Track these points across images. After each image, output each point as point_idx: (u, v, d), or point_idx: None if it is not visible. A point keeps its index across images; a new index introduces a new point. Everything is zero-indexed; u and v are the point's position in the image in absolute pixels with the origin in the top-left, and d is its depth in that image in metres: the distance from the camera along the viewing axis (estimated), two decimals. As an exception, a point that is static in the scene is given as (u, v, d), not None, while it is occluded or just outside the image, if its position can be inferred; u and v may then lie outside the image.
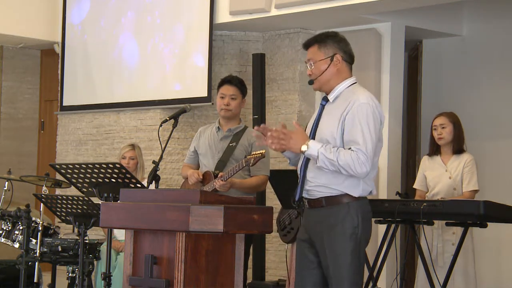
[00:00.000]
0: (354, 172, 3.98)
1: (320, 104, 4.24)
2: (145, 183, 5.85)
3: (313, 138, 4.13)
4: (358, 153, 3.97)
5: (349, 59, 4.22)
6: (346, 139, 4.03)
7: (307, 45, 4.25)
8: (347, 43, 4.24)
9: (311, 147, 4.02)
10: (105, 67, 8.82)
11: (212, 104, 7.60)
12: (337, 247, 4.03)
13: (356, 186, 4.07)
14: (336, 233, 4.04)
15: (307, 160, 4.16)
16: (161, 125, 5.00)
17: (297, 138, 4.06)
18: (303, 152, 4.05)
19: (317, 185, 4.10)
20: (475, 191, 5.87)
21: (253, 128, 6.57)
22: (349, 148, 4.00)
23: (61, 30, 9.21)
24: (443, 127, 5.97)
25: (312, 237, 4.15)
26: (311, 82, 4.22)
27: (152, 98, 8.35)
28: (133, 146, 6.88)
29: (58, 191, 7.38)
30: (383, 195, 7.44)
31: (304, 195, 4.17)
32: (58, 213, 5.77)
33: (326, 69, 4.15)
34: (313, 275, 4.16)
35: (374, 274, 5.77)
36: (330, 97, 4.18)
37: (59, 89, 9.28)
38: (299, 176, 4.22)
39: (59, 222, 6.61)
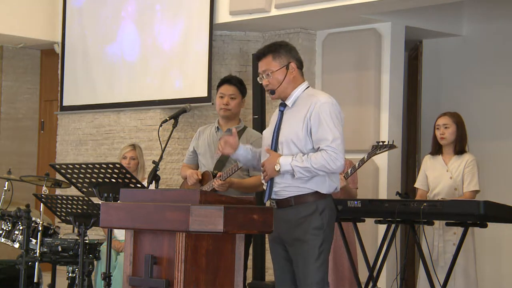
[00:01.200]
0: (331, 169, 4.17)
1: (279, 110, 4.40)
2: (145, 183, 5.84)
3: (276, 141, 4.30)
4: (328, 151, 4.14)
5: (301, 65, 4.41)
6: (315, 138, 4.20)
7: (259, 57, 4.39)
8: (297, 51, 4.44)
9: (283, 164, 4.21)
10: (105, 63, 8.81)
11: (212, 104, 7.59)
12: (304, 244, 4.21)
13: (323, 183, 4.24)
14: (303, 230, 4.22)
15: None
16: (161, 125, 4.99)
17: (269, 164, 4.25)
18: (279, 172, 4.22)
19: (285, 185, 4.27)
20: (476, 192, 5.85)
21: (253, 128, 6.58)
22: (318, 148, 4.17)
23: (61, 27, 9.21)
24: (446, 127, 5.95)
25: (282, 236, 4.33)
26: (273, 92, 4.36)
27: (152, 95, 8.34)
28: (133, 146, 6.88)
29: (58, 191, 7.37)
30: (383, 195, 7.43)
31: (273, 196, 4.33)
32: (58, 213, 5.76)
33: (284, 79, 4.31)
34: (291, 272, 4.35)
35: (374, 274, 5.77)
36: (288, 102, 4.36)
37: (59, 89, 9.28)
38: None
39: (59, 222, 6.61)
